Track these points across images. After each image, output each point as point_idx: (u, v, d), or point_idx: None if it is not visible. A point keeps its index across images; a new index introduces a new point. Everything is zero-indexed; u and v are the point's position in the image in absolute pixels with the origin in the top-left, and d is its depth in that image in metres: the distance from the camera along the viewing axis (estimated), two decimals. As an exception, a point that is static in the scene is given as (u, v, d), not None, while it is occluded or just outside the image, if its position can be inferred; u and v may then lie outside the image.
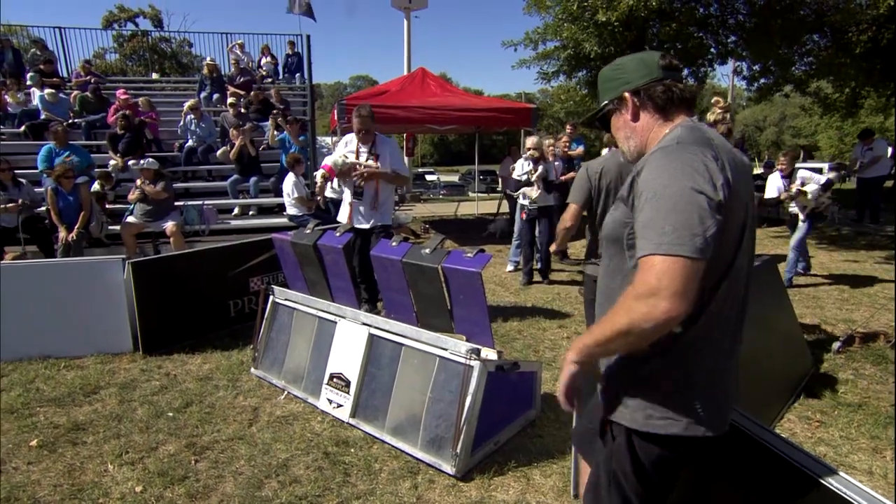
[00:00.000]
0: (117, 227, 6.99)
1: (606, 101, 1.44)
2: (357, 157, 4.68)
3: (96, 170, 7.93)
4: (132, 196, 6.79)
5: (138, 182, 6.78)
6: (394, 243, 3.37)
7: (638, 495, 1.41)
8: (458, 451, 2.64)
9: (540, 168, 6.30)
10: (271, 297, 3.95)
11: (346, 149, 4.75)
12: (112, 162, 8.43)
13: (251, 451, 2.93)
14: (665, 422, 1.31)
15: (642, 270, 1.16)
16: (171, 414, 3.37)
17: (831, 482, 1.45)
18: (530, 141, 6.52)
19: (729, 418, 1.38)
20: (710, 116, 3.49)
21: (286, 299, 3.86)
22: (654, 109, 1.38)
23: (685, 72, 13.04)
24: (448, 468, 2.67)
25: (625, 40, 10.44)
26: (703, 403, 1.31)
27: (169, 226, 6.74)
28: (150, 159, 6.96)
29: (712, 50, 11.89)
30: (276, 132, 9.31)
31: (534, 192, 6.26)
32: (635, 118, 1.41)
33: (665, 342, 1.27)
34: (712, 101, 3.53)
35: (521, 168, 6.50)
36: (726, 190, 1.19)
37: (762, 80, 12.27)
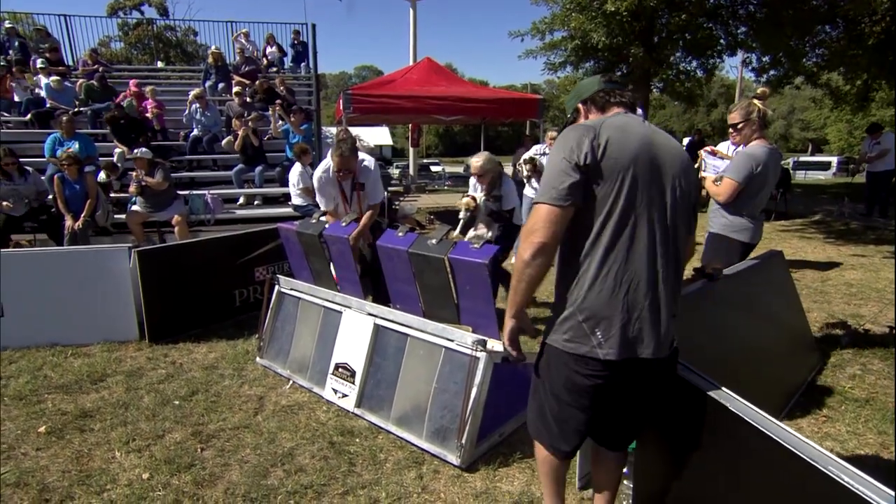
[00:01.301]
0: (123, 216, 7.00)
1: (570, 115, 1.94)
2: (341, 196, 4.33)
3: (102, 160, 7.93)
4: (132, 189, 6.73)
5: (134, 175, 6.70)
6: (400, 233, 3.37)
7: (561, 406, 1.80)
8: (464, 441, 2.65)
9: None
10: (277, 287, 3.96)
11: (325, 180, 4.29)
12: (118, 150, 8.43)
13: (257, 440, 2.95)
14: (570, 343, 1.69)
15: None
16: (177, 402, 3.39)
17: (834, 471, 1.48)
18: (550, 134, 6.48)
19: (639, 348, 1.65)
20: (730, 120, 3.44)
21: (292, 289, 3.87)
22: (596, 110, 1.86)
23: (693, 63, 12.93)
24: (453, 459, 2.68)
25: (633, 31, 10.36)
26: (601, 330, 1.64)
27: (175, 216, 6.74)
28: (144, 149, 6.83)
29: (721, 41, 11.77)
30: (280, 122, 9.29)
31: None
32: (586, 119, 1.88)
33: (562, 276, 1.71)
34: (729, 115, 3.47)
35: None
36: (590, 156, 1.60)
37: (772, 72, 12.14)
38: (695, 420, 1.90)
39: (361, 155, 4.33)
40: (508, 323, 1.80)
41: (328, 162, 4.24)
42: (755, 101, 3.34)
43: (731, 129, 3.45)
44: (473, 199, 4.69)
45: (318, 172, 4.33)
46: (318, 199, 4.41)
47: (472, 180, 4.72)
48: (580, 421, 1.80)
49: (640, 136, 1.68)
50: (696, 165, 4.54)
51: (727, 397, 1.82)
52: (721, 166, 4.45)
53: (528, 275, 1.67)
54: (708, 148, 5.00)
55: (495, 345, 2.76)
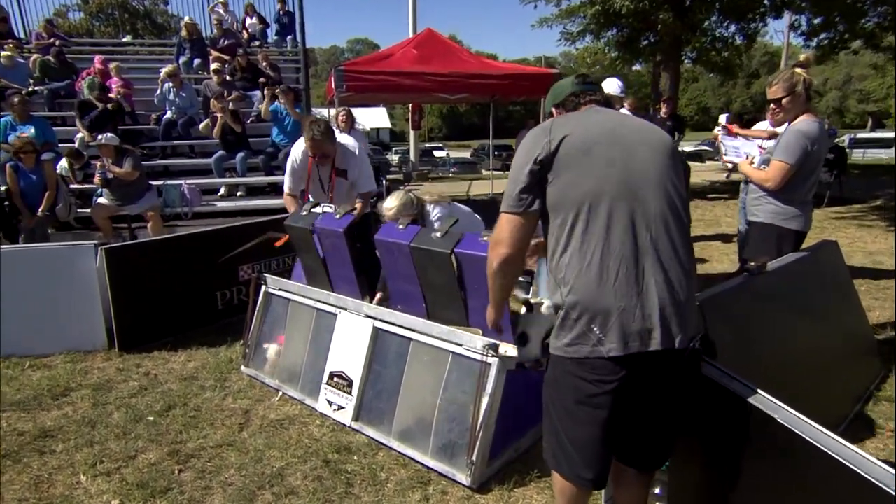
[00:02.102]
0: (87, 210, 7.04)
1: (546, 116, 2.18)
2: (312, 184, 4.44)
3: (63, 146, 7.95)
4: (97, 181, 6.70)
5: (98, 165, 6.67)
6: (401, 226, 3.38)
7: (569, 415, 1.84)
8: (474, 458, 2.65)
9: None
10: (263, 287, 3.98)
11: (298, 161, 4.41)
12: (79, 135, 8.43)
13: (242, 459, 2.96)
14: (570, 347, 1.75)
15: None
16: (151, 418, 3.41)
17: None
18: None
19: (646, 340, 1.69)
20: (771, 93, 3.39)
21: (280, 289, 3.89)
22: (567, 113, 2.02)
23: (731, 28, 12.82)
24: (463, 478, 2.69)
25: (664, -7, 10.29)
26: (598, 324, 1.70)
27: (147, 210, 6.76)
28: (109, 134, 6.80)
29: (765, 2, 11.65)
30: (270, 102, 9.22)
31: None
32: None
33: (552, 279, 1.83)
34: (769, 89, 3.40)
35: None
36: (543, 154, 1.78)
37: (824, 36, 12.01)
38: (736, 433, 1.89)
39: (345, 139, 4.45)
40: (491, 312, 2.20)
41: (300, 149, 4.40)
42: (798, 71, 3.29)
43: (772, 106, 3.39)
44: None
45: (293, 152, 4.49)
46: (286, 178, 4.56)
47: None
48: (600, 440, 1.80)
49: (601, 121, 1.87)
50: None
51: (774, 407, 1.80)
52: (745, 147, 4.41)
53: (498, 283, 1.99)
54: (720, 126, 4.86)
55: (508, 349, 2.76)
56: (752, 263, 2.83)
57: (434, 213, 3.86)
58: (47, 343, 4.33)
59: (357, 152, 4.44)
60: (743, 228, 5.06)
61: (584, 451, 1.83)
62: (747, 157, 3.99)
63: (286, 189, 4.56)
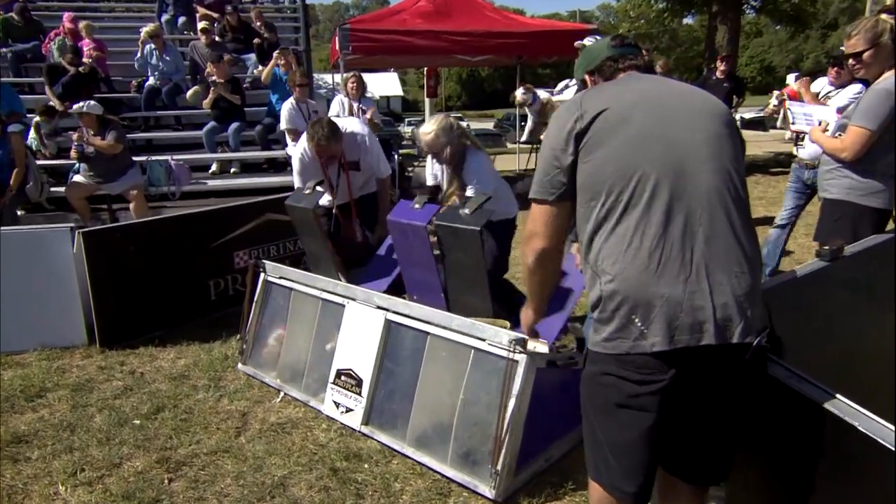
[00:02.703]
0: (62, 189, 7.12)
1: (578, 84, 2.16)
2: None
3: (29, 117, 7.93)
4: (73, 155, 6.76)
5: (75, 137, 6.72)
6: (416, 205, 3.38)
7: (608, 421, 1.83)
8: (499, 468, 2.66)
9: None
10: (262, 275, 4.02)
11: (307, 159, 4.45)
12: (50, 103, 8.44)
13: (239, 468, 3.01)
14: (609, 343, 1.74)
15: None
16: (137, 422, 3.47)
17: None
18: None
19: (697, 333, 1.65)
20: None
21: (281, 277, 3.93)
22: (603, 81, 2.04)
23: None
24: (486, 490, 2.70)
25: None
26: (639, 315, 1.68)
27: (130, 189, 6.81)
28: (92, 102, 6.86)
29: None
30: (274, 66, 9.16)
31: None
32: None
33: (588, 270, 1.83)
34: (846, 42, 3.33)
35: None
36: (574, 133, 1.79)
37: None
38: (807, 443, 1.85)
39: (350, 126, 4.49)
40: (528, 314, 2.28)
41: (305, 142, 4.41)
42: (884, 18, 3.21)
43: (851, 61, 3.31)
44: None
45: (298, 149, 4.50)
46: (294, 177, 4.57)
47: (430, 163, 4.40)
48: (644, 448, 1.77)
49: (641, 89, 1.89)
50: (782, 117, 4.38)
51: (854, 413, 1.76)
52: (818, 113, 4.31)
53: (536, 281, 2.07)
54: (787, 89, 4.75)
55: (538, 344, 2.76)
56: (826, 247, 2.78)
57: (471, 163, 3.84)
58: (19, 339, 4.40)
59: (363, 139, 4.50)
60: (786, 215, 5.01)
61: (625, 459, 1.80)
62: (820, 125, 3.92)
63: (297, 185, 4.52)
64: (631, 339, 1.68)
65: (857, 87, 4.66)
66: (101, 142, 6.58)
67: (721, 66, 8.96)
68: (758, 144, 18.30)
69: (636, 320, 1.67)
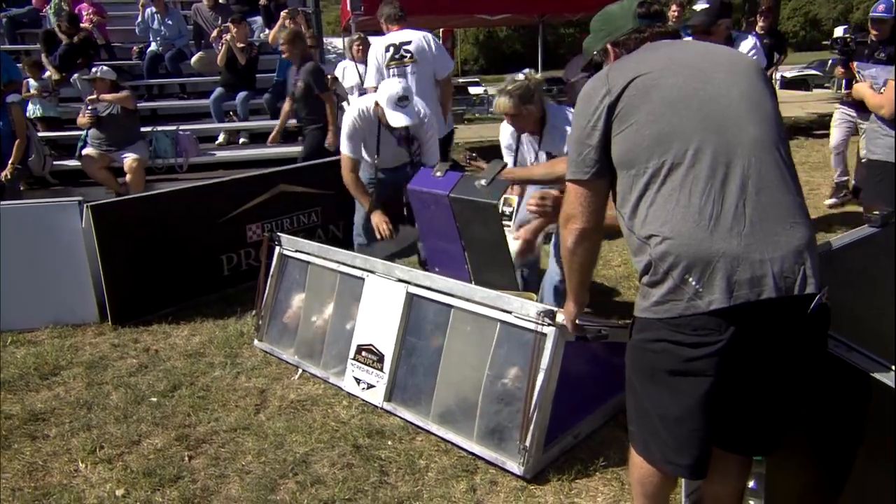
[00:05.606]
0: (68, 163, 7.19)
1: (595, 52, 2.16)
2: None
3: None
4: (82, 119, 6.79)
5: (89, 99, 6.77)
6: (438, 173, 3.40)
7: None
8: (528, 444, 2.70)
9: None
10: (277, 249, 4.07)
11: (362, 126, 4.48)
12: (46, 73, 8.38)
13: (260, 445, 3.10)
14: (661, 307, 1.75)
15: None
16: (154, 399, 3.58)
17: None
18: None
19: (756, 287, 1.64)
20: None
21: (297, 250, 3.98)
22: (627, 53, 2.03)
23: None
24: (514, 467, 2.75)
25: None
26: (694, 275, 1.68)
27: (127, 160, 6.77)
28: (105, 68, 6.95)
29: None
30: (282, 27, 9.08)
31: None
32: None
33: (632, 238, 1.84)
34: None
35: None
36: (605, 109, 1.84)
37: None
38: (857, 419, 1.79)
39: (417, 103, 4.43)
40: (570, 307, 2.35)
41: (370, 104, 4.38)
42: None
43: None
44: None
45: (352, 113, 4.46)
46: (343, 140, 4.52)
47: (505, 127, 3.91)
48: (701, 417, 1.75)
49: (667, 54, 1.93)
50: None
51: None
52: (884, 73, 4.24)
53: (576, 263, 2.07)
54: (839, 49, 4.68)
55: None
56: (876, 212, 2.78)
57: (552, 112, 3.57)
58: (30, 316, 4.52)
59: (434, 121, 4.56)
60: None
61: (679, 429, 1.79)
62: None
63: (346, 152, 4.50)
64: (685, 300, 1.68)
65: None
66: (116, 95, 6.66)
67: (760, 21, 8.78)
68: (800, 105, 17.97)
69: (690, 280, 1.67)
